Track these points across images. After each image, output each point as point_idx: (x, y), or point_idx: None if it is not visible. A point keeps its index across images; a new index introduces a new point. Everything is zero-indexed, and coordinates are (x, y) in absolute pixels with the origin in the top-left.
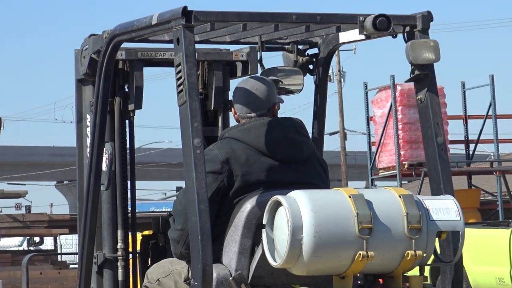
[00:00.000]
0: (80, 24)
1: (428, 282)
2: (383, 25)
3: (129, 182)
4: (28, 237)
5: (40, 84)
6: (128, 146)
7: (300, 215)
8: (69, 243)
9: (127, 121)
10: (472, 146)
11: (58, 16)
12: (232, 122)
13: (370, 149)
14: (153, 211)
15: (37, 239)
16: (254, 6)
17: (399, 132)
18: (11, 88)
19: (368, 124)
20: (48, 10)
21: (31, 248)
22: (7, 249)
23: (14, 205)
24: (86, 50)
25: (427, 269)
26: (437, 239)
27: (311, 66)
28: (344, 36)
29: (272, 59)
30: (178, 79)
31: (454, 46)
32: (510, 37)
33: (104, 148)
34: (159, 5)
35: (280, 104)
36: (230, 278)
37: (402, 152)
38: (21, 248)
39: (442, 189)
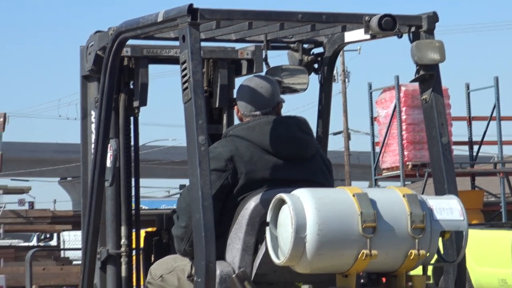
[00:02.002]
0: (86, 21)
1: (431, 281)
2: (389, 25)
3: (133, 179)
4: (37, 233)
5: (45, 80)
6: (132, 142)
7: (304, 213)
8: (78, 239)
9: (131, 118)
10: (476, 147)
11: (64, 12)
12: (237, 120)
13: (373, 149)
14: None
15: (47, 234)
16: (260, 4)
17: (403, 132)
18: (16, 84)
19: (372, 124)
20: (53, 6)
21: (40, 244)
22: (13, 244)
23: (18, 201)
24: (91, 47)
25: (430, 269)
26: (440, 238)
27: (316, 65)
28: (349, 36)
29: (278, 58)
30: (183, 77)
31: (459, 48)
32: None
33: (109, 145)
34: (165, 3)
35: (282, 103)
36: (233, 275)
37: (405, 153)
38: (30, 244)
39: (446, 189)
